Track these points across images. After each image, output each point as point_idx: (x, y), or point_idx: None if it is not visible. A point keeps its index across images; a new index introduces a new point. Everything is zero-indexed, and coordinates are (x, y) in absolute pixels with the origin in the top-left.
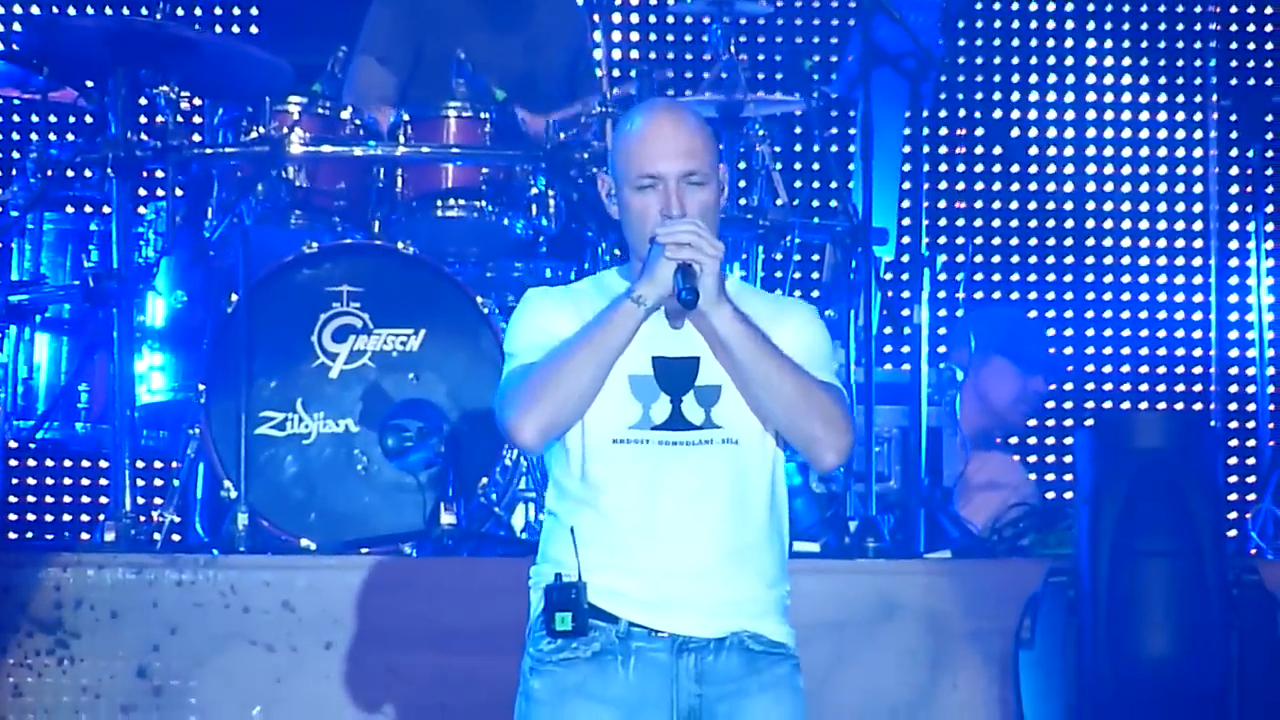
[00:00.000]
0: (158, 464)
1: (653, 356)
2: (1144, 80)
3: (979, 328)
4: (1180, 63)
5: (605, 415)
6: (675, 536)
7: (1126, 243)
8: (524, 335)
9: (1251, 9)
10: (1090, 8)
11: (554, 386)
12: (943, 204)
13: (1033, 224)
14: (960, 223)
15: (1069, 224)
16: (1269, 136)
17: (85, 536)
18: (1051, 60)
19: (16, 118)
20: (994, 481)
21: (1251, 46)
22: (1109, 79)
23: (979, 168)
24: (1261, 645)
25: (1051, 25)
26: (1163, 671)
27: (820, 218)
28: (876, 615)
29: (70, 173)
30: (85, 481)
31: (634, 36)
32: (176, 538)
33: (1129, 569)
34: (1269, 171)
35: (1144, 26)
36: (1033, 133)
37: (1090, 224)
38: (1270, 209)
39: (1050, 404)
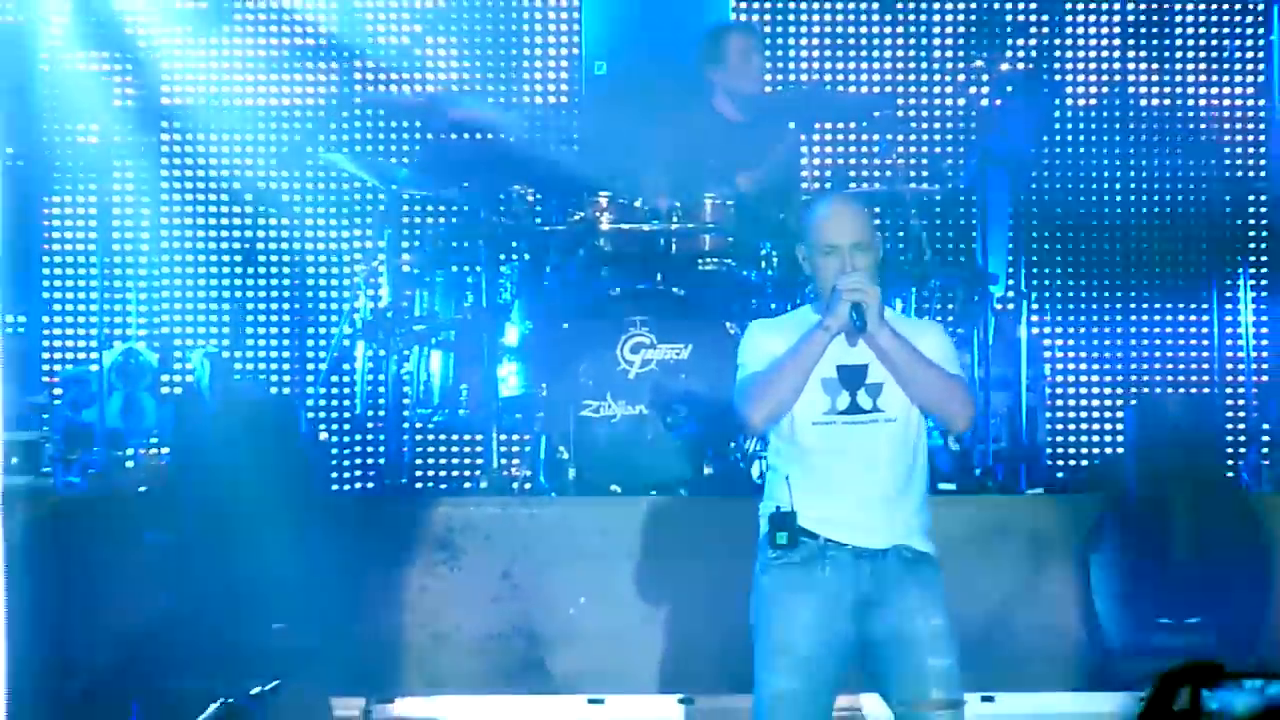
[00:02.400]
0: (515, 437)
1: (837, 365)
2: (1158, 176)
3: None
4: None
5: (806, 404)
6: (855, 483)
7: (1157, 285)
8: (750, 352)
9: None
10: (1131, 126)
11: (773, 390)
12: (1036, 257)
13: (1095, 271)
14: (1048, 269)
15: (1119, 270)
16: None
17: (467, 485)
18: (1106, 163)
19: (417, 207)
20: None
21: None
22: (1133, 173)
23: (1059, 233)
24: (1253, 547)
25: (1104, 139)
26: (1186, 566)
27: (953, 268)
28: (995, 534)
29: (454, 243)
30: (467, 450)
31: (828, 149)
32: (528, 486)
33: (1161, 499)
34: (1250, 245)
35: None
36: (1096, 212)
37: (1132, 273)
38: (1252, 270)
39: (1108, 390)
